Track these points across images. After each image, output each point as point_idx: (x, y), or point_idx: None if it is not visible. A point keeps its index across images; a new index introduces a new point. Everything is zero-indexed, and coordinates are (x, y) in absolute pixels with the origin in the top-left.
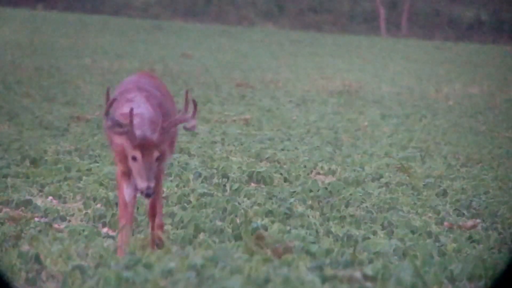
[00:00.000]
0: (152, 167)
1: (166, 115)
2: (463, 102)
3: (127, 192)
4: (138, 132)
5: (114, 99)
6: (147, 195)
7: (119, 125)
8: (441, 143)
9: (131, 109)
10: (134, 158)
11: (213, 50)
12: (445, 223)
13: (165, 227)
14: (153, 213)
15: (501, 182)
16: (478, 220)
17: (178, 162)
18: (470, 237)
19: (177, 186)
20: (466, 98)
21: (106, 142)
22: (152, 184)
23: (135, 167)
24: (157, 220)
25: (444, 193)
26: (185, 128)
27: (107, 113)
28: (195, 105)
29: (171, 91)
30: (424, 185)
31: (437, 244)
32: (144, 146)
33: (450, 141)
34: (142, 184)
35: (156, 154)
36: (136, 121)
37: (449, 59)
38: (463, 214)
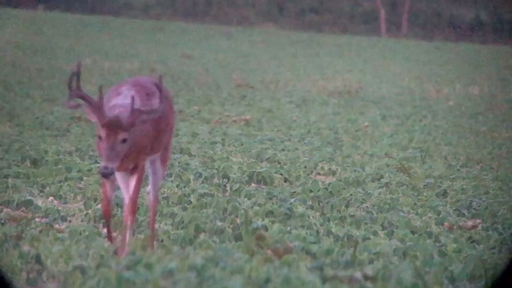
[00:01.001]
0: (116, 148)
1: (161, 115)
2: (463, 102)
3: (109, 187)
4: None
5: (76, 72)
6: (103, 175)
7: (91, 102)
8: (441, 143)
9: (100, 86)
10: (99, 137)
11: (213, 51)
12: (445, 224)
13: (166, 227)
14: (132, 210)
15: (501, 183)
16: (478, 221)
17: (179, 163)
18: (470, 238)
19: (177, 186)
20: (467, 98)
21: None
22: (111, 165)
23: (99, 146)
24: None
25: (444, 194)
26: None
27: (69, 87)
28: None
29: (171, 91)
30: (424, 185)
31: (437, 244)
32: (111, 125)
33: (450, 142)
34: (101, 163)
35: (121, 136)
36: (118, 110)
37: (449, 60)
38: (463, 214)
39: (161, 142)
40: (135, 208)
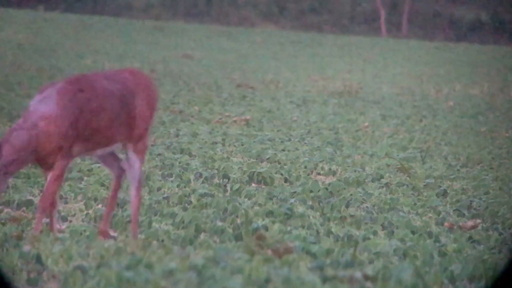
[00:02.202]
0: None
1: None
2: (464, 102)
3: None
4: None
5: None
6: None
7: None
8: (442, 143)
9: None
10: None
11: (214, 51)
12: (446, 224)
13: (166, 228)
14: (41, 208)
15: (502, 183)
16: (478, 221)
17: (179, 163)
18: (470, 238)
19: (178, 186)
20: (467, 98)
21: None
22: None
23: None
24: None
25: (445, 194)
26: None
27: None
28: None
29: (171, 91)
30: (424, 185)
31: (437, 244)
32: None
33: (450, 142)
34: None
35: None
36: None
37: (449, 60)
38: (464, 214)
39: (117, 133)
40: (44, 205)
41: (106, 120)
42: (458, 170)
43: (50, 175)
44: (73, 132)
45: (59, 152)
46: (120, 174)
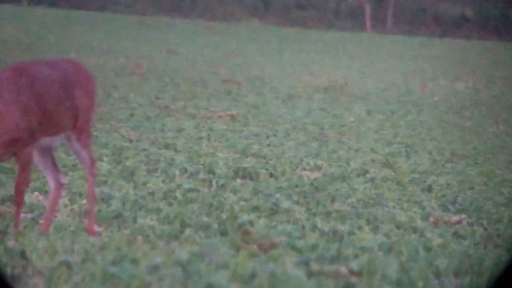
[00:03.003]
0: None
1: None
2: (449, 98)
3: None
4: None
5: None
6: None
7: None
8: (427, 138)
9: None
10: None
11: (199, 46)
12: (430, 219)
13: (151, 223)
14: (16, 199)
15: (486, 178)
16: (463, 216)
17: (164, 158)
18: (455, 233)
19: (163, 181)
20: (452, 94)
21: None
22: None
23: None
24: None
25: (429, 189)
26: None
27: None
28: None
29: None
30: (409, 180)
31: (422, 239)
32: None
33: (435, 137)
34: None
35: None
36: None
37: (434, 55)
38: (449, 209)
39: (56, 124)
40: (19, 198)
41: (51, 105)
42: (443, 165)
43: (18, 167)
44: (26, 119)
45: (17, 143)
46: (58, 187)
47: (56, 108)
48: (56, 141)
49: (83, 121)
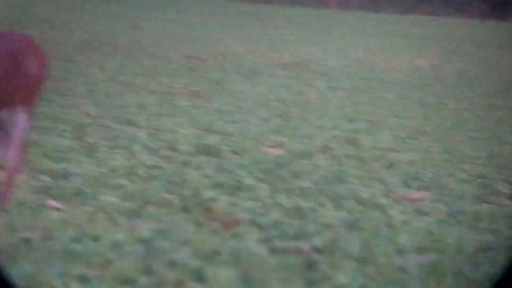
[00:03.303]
0: None
1: None
2: (411, 74)
3: None
4: None
5: None
6: None
7: None
8: (389, 115)
9: None
10: None
11: (162, 22)
12: (393, 195)
13: (113, 200)
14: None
15: (449, 154)
16: (425, 193)
17: (126, 134)
18: (417, 209)
19: (124, 158)
20: (414, 70)
21: (53, 114)
22: None
23: None
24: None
25: (392, 165)
26: None
27: None
28: None
29: (118, 62)
30: (372, 157)
31: (384, 216)
32: None
33: (398, 113)
34: None
35: None
36: None
37: (397, 32)
38: (411, 186)
39: (8, 94)
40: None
41: None
42: (405, 141)
43: None
44: None
45: None
46: (15, 162)
47: (1, 81)
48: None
49: (29, 96)
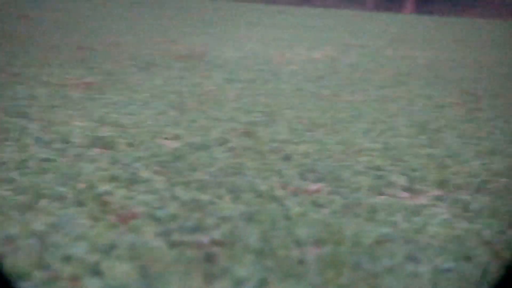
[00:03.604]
0: None
1: None
2: (307, 66)
3: None
4: None
5: None
6: None
7: None
8: (286, 107)
9: None
10: None
11: (52, 11)
12: (290, 187)
13: (4, 193)
14: None
15: (345, 146)
16: (322, 184)
17: (17, 127)
18: (314, 201)
19: (15, 151)
20: (310, 62)
21: None
22: None
23: None
24: None
25: (288, 157)
26: None
27: None
28: None
29: (7, 53)
30: (269, 149)
31: (282, 208)
32: None
33: (294, 106)
34: None
35: None
36: None
37: (292, 24)
38: (307, 178)
39: None
40: None
41: None
42: (301, 133)
43: None
44: None
45: None
46: None
47: None
48: None
49: None
